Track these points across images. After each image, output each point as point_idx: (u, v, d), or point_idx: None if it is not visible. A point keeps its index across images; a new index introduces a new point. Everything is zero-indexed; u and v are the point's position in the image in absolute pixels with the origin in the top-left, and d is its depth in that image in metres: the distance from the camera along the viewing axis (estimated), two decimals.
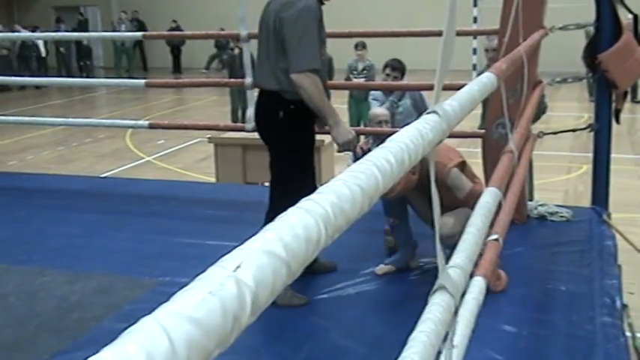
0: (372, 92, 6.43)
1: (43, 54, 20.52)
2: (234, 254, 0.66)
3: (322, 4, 3.48)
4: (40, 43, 20.01)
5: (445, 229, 3.24)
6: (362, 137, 4.97)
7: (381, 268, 3.82)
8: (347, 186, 0.88)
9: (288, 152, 3.53)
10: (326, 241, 0.81)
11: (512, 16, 3.16)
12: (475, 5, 16.17)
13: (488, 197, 2.16)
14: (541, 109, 5.46)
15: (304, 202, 0.82)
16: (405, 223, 3.84)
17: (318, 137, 6.51)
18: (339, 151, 3.68)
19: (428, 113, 1.33)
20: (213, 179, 7.13)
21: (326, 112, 3.42)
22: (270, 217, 3.58)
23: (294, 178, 3.48)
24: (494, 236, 2.31)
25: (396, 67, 6.09)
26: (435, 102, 1.31)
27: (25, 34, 16.82)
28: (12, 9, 24.90)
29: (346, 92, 9.20)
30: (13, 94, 18.14)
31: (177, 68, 22.76)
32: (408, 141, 1.13)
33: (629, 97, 4.84)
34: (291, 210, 0.80)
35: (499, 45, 4.22)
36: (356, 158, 5.61)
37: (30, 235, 4.57)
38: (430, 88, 1.33)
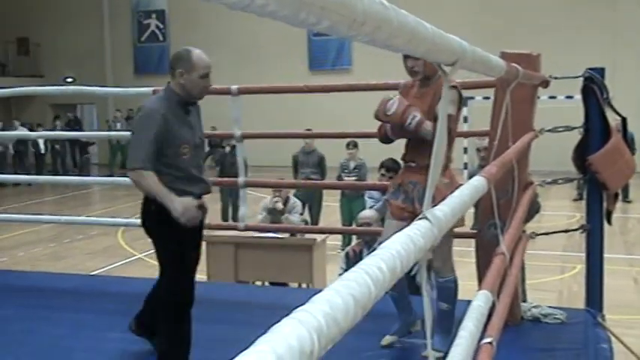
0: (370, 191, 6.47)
1: (42, 150, 20.84)
2: None
3: (189, 103, 3.74)
4: (41, 141, 20.32)
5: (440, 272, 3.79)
6: (354, 238, 4.97)
7: (386, 339, 3.93)
8: (340, 296, 0.88)
9: (166, 244, 3.70)
10: (319, 353, 0.80)
11: (502, 119, 3.23)
12: (465, 105, 16.51)
13: (481, 300, 2.15)
14: (534, 209, 5.49)
15: (298, 313, 0.82)
16: (404, 293, 3.91)
17: (310, 235, 6.43)
18: (184, 224, 3.53)
19: (419, 219, 1.34)
20: (204, 277, 7.07)
21: (161, 198, 3.50)
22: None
23: (173, 268, 3.73)
24: (488, 339, 2.28)
25: (391, 168, 6.13)
26: (426, 208, 1.33)
27: (23, 132, 17.08)
28: (10, 106, 25.26)
29: (338, 191, 9.26)
30: (7, 190, 18.18)
31: None
32: (399, 247, 1.14)
33: (620, 196, 4.88)
34: (284, 321, 0.79)
35: (489, 148, 4.28)
36: (348, 259, 5.60)
37: (16, 334, 4.47)
38: None
